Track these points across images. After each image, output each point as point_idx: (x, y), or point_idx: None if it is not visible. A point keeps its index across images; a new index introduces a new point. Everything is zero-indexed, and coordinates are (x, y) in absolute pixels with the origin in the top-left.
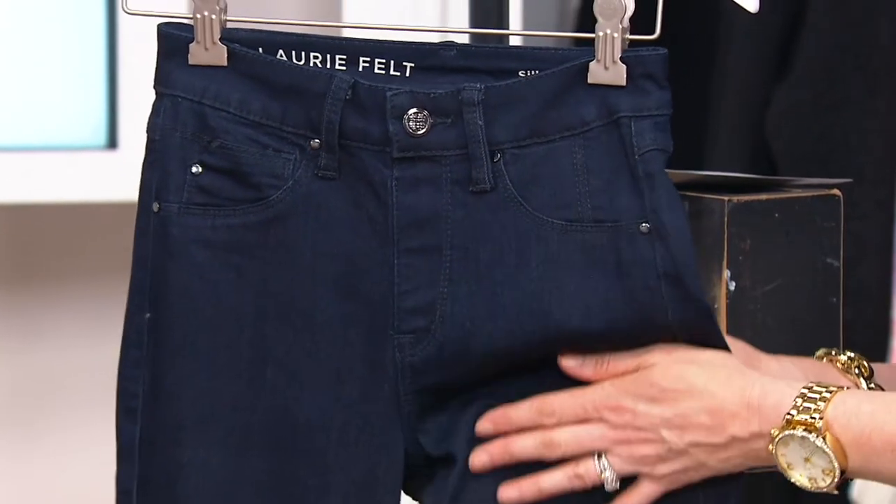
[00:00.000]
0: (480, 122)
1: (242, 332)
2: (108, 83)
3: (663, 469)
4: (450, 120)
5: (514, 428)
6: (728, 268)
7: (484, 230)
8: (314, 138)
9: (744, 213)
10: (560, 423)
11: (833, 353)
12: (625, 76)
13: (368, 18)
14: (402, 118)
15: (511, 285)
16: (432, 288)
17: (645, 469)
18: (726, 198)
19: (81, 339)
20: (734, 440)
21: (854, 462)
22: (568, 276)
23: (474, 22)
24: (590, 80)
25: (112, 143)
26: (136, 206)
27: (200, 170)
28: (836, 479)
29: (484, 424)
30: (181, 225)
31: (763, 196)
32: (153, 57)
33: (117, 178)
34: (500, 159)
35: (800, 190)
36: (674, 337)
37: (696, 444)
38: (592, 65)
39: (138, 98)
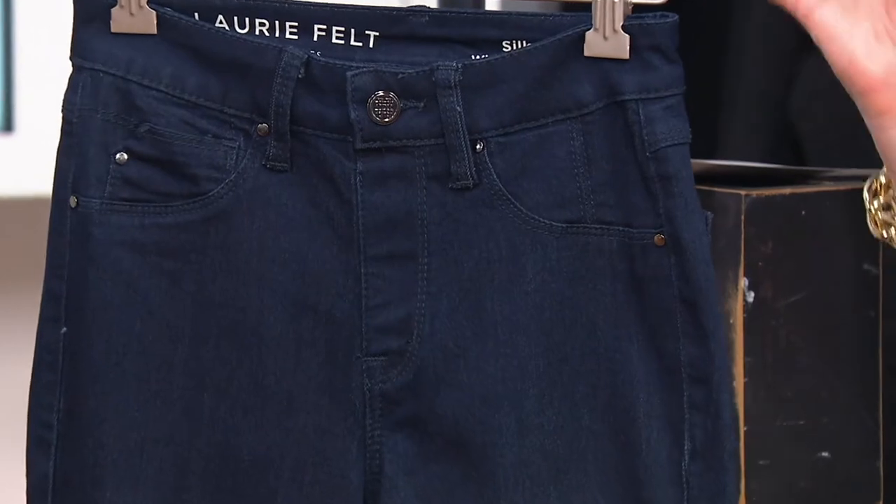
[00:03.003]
0: (459, 108)
1: (177, 352)
2: (2, 55)
3: None
4: (422, 104)
5: None
6: (745, 276)
7: (467, 233)
8: (261, 122)
9: (764, 210)
10: None
11: None
12: (627, 48)
13: None
14: (365, 102)
15: (502, 299)
16: (407, 302)
17: None
18: (743, 192)
19: None
20: None
21: None
22: (570, 288)
23: None
24: (586, 53)
25: (7, 125)
26: (43, 200)
27: (126, 158)
28: None
29: None
30: (104, 224)
31: (787, 190)
32: (60, 24)
33: (14, 167)
34: (483, 149)
35: (831, 183)
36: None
37: None
38: (590, 34)
39: (40, 72)
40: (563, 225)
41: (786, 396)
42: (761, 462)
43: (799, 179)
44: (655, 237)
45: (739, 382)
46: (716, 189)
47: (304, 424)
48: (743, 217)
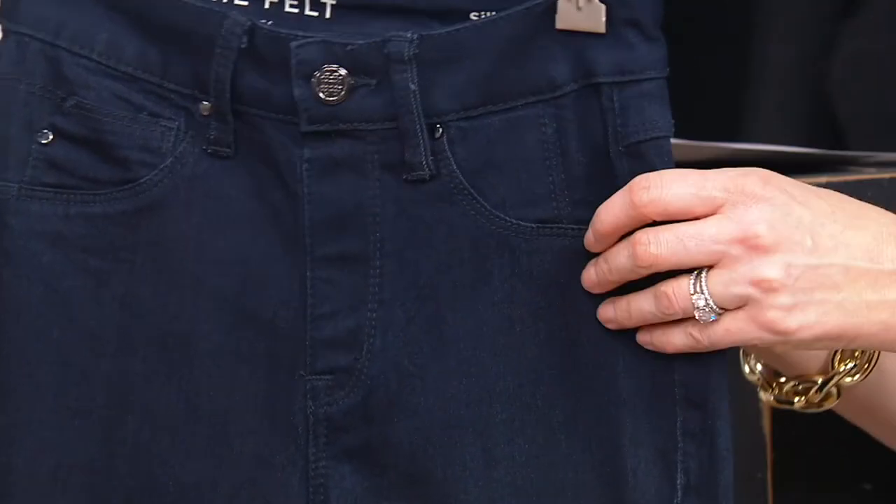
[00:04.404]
0: (413, 86)
1: (99, 364)
2: None
3: (782, 300)
4: (375, 81)
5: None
6: None
7: (424, 233)
8: (203, 100)
9: None
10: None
11: None
12: (603, 20)
13: None
14: (310, 78)
15: (465, 310)
16: (356, 311)
17: (756, 295)
18: None
19: None
20: None
21: None
22: (544, 297)
23: None
24: (558, 26)
25: None
26: None
27: (51, 137)
28: None
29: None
30: (22, 212)
31: (823, 178)
32: None
33: None
34: (442, 135)
35: (874, 170)
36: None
37: (848, 269)
38: (562, 3)
39: None
40: (534, 225)
41: (818, 418)
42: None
43: (837, 166)
44: None
45: (766, 406)
46: None
47: (239, 452)
48: None
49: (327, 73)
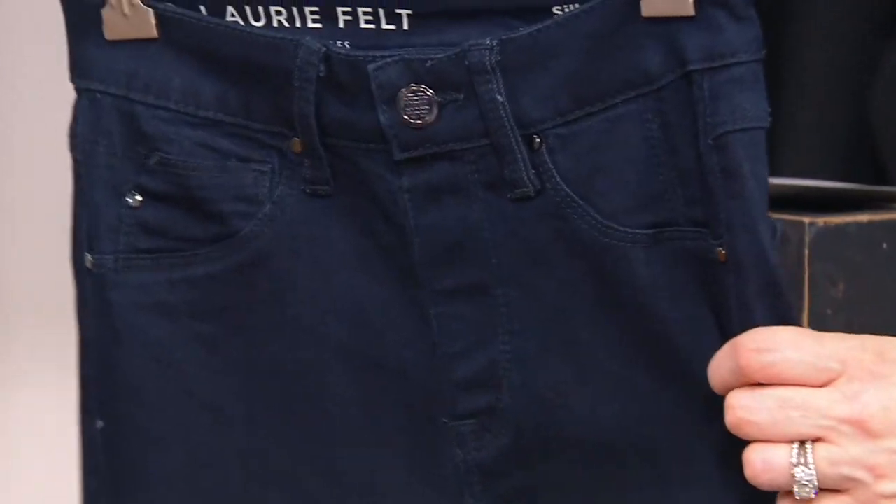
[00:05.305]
0: (501, 97)
1: (227, 439)
2: None
3: (892, 488)
4: (462, 96)
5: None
6: (810, 323)
7: (540, 253)
8: (293, 136)
9: (834, 242)
10: None
11: None
12: (691, 2)
13: None
14: (395, 101)
15: (597, 328)
16: (488, 346)
17: (867, 480)
18: (807, 219)
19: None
20: None
21: None
22: (675, 309)
23: None
24: (645, 13)
25: None
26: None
27: (140, 199)
28: None
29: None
30: (121, 285)
31: (864, 217)
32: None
33: None
34: (540, 146)
35: None
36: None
37: None
38: None
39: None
40: (650, 231)
41: None
42: None
43: (878, 202)
44: (717, 250)
45: None
46: (772, 215)
47: None
48: (807, 251)
49: (411, 94)
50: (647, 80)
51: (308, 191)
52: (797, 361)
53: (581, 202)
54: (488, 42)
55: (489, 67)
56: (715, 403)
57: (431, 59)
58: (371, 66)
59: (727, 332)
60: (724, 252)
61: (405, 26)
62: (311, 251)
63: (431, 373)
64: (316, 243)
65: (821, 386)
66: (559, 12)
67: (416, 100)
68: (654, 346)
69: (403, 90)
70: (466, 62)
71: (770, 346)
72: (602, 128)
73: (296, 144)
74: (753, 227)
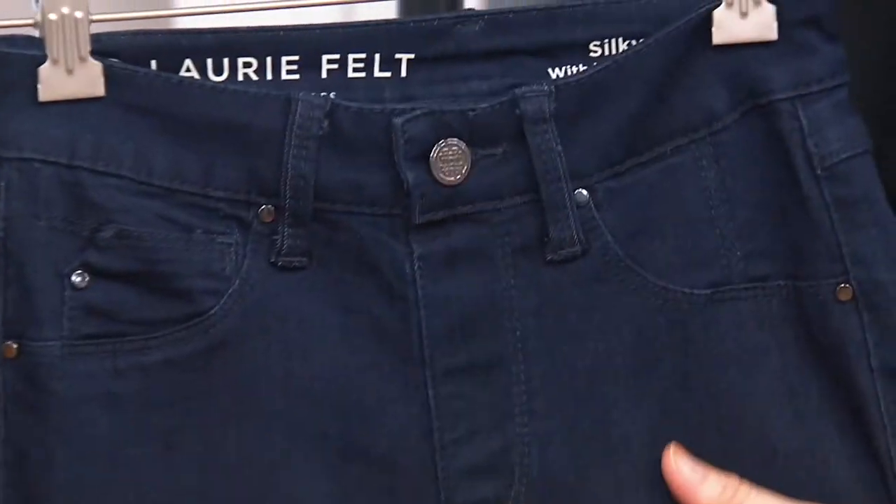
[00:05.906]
0: (558, 146)
1: None
2: None
3: None
4: (500, 150)
5: None
6: None
7: (577, 323)
8: (263, 204)
9: None
10: None
11: None
12: (775, 25)
13: None
14: (427, 158)
15: (633, 406)
16: (501, 429)
17: None
18: None
19: None
20: None
21: None
22: (727, 376)
23: None
24: (716, 41)
25: None
26: None
27: (87, 280)
28: None
29: None
30: (66, 375)
31: None
32: None
33: None
34: (588, 202)
35: None
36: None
37: None
38: (719, 13)
39: None
40: (707, 292)
41: None
42: None
43: None
44: (838, 289)
45: None
46: None
47: None
48: None
49: (444, 150)
50: (706, 121)
51: (280, 264)
52: None
53: (629, 262)
54: (546, 87)
55: (547, 115)
56: (762, 485)
57: (473, 111)
58: (398, 120)
59: (847, 378)
60: (849, 288)
61: (403, 73)
62: (283, 330)
63: (425, 462)
64: (289, 321)
65: None
66: (597, 51)
67: (450, 157)
68: (694, 421)
69: (437, 146)
70: (518, 111)
71: None
72: (653, 179)
73: (266, 213)
74: (893, 253)
